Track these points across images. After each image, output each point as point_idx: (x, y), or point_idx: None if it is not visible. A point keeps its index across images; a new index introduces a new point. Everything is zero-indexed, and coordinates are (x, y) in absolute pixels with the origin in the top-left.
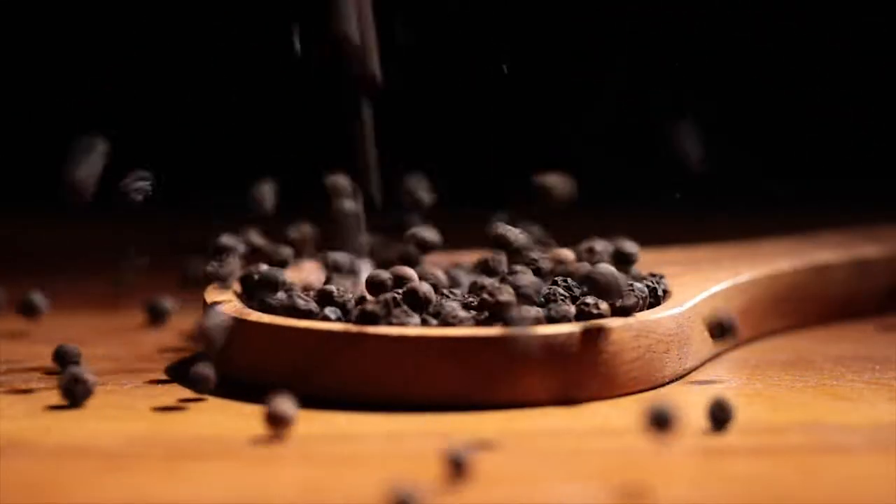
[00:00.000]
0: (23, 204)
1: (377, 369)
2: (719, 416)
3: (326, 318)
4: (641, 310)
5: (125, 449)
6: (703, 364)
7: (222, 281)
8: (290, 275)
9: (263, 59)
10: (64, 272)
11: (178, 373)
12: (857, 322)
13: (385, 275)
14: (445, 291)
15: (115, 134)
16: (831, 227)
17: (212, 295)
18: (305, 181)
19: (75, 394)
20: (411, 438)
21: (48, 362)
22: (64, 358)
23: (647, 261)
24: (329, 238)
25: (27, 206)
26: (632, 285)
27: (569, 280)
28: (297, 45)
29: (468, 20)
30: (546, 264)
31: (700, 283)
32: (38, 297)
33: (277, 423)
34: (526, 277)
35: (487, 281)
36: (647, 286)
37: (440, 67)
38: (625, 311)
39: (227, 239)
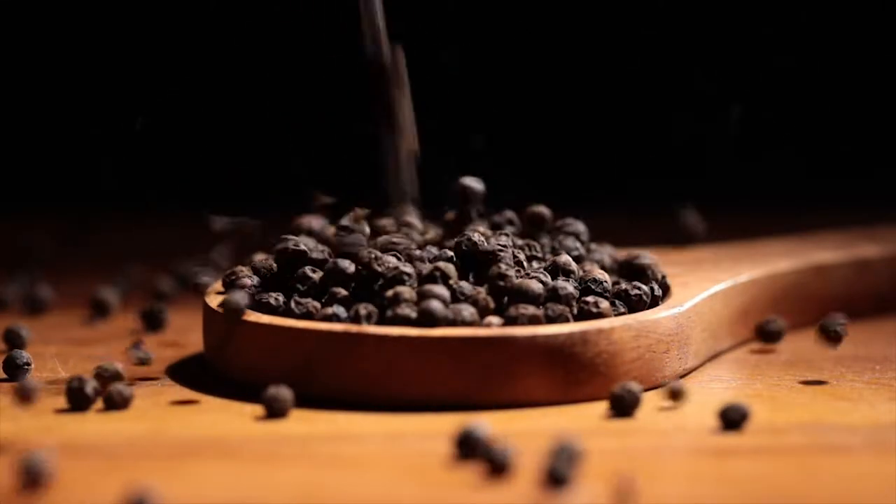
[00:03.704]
0: (24, 205)
1: (377, 369)
2: (733, 418)
3: (336, 317)
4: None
5: (125, 449)
6: (703, 364)
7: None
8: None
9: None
10: (65, 272)
11: (178, 373)
12: (857, 322)
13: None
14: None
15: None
16: (831, 227)
17: (212, 296)
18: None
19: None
20: (411, 438)
21: (48, 362)
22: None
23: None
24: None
25: (29, 207)
26: (638, 287)
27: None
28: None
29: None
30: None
31: (700, 283)
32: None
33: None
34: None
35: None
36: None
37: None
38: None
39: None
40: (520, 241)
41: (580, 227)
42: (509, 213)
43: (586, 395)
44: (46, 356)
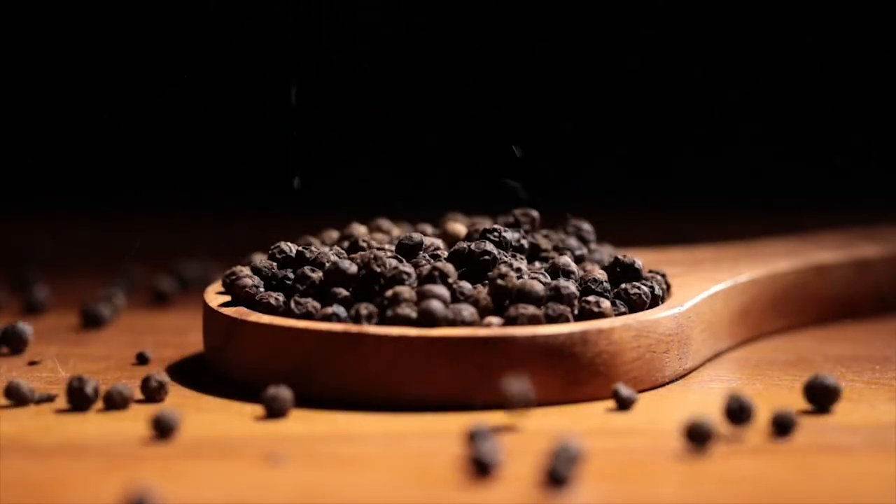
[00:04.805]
0: (25, 206)
1: (377, 369)
2: (740, 416)
3: (336, 317)
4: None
5: (125, 449)
6: (703, 364)
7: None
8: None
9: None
10: (64, 273)
11: (178, 373)
12: (856, 322)
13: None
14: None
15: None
16: (831, 227)
17: (212, 296)
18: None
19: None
20: (411, 438)
21: (48, 362)
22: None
23: (648, 261)
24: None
25: (29, 208)
26: (638, 287)
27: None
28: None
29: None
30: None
31: (700, 283)
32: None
33: None
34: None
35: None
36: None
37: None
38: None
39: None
40: (517, 236)
41: (585, 226)
42: (517, 213)
43: (586, 395)
44: (46, 356)
